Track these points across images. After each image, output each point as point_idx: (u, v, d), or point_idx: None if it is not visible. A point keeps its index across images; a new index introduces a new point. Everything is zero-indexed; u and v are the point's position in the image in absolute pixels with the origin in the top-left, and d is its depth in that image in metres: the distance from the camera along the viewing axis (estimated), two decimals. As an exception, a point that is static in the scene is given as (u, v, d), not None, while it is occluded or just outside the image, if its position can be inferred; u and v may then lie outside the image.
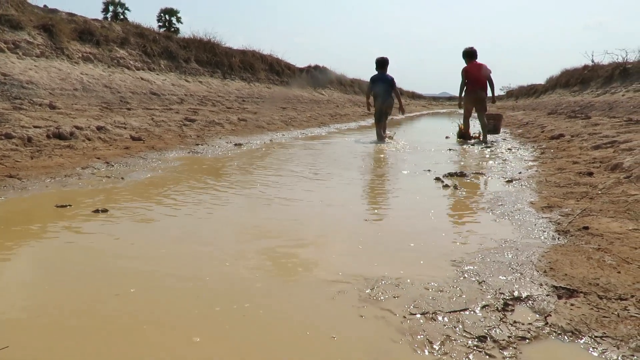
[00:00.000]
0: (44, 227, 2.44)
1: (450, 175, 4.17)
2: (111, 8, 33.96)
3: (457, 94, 7.86)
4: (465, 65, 7.65)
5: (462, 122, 8.21)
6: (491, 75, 7.60)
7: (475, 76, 7.54)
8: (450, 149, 6.56)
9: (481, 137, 7.75)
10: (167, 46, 11.53)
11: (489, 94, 7.81)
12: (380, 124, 8.08)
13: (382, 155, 6.34)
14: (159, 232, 2.45)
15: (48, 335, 1.38)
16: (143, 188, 3.49)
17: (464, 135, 8.06)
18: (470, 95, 7.65)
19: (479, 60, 7.61)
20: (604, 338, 1.36)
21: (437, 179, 3.99)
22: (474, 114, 7.92)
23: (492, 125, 8.40)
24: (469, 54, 7.64)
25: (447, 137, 8.69)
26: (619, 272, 1.80)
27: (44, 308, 1.55)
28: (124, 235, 2.35)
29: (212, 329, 1.43)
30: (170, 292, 1.69)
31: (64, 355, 1.28)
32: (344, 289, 1.72)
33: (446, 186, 3.69)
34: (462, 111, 8.10)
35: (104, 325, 1.44)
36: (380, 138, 7.99)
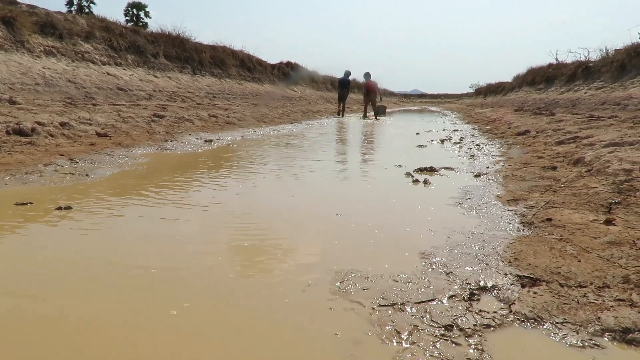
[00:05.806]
0: (2, 225, 2.34)
1: (420, 170, 4.23)
2: (76, 1, 32.61)
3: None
4: (365, 81, 15.70)
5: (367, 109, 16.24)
6: (378, 86, 16.16)
7: (371, 87, 15.66)
8: (419, 145, 6.64)
9: (375, 117, 15.00)
10: (135, 41, 11.25)
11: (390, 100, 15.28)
12: (340, 104, 15.63)
13: (354, 152, 6.37)
14: (125, 228, 2.39)
15: (22, 322, 1.33)
16: (109, 185, 3.40)
17: (365, 116, 15.47)
18: (368, 97, 15.74)
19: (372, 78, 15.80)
20: (564, 324, 1.41)
21: (408, 174, 4.04)
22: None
23: (382, 110, 16.44)
24: (367, 76, 15.59)
25: (417, 134, 8.83)
26: (579, 261, 1.87)
27: (11, 299, 1.49)
28: (88, 232, 2.28)
29: (184, 321, 1.40)
30: (139, 284, 1.65)
31: (47, 335, 1.24)
32: (314, 282, 1.72)
33: (416, 181, 3.74)
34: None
35: (71, 315, 1.40)
36: (339, 114, 15.44)
